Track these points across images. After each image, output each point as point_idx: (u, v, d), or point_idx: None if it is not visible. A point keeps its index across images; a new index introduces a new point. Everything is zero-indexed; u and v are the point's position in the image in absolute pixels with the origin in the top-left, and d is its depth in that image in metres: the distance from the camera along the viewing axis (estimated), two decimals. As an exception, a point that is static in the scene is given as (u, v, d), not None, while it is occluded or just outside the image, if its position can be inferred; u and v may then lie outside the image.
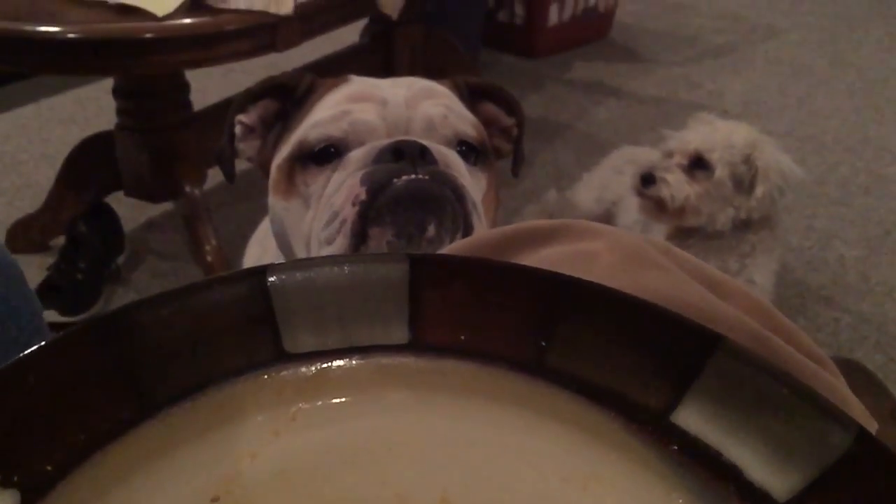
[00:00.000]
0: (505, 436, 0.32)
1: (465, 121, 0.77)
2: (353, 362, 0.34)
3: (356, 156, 0.70)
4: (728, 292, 0.46)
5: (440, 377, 0.34)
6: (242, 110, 0.77)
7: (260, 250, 0.86)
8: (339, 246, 0.67)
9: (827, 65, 3.09)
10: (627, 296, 0.34)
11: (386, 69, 2.50)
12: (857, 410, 0.41)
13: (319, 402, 0.33)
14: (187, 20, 1.37)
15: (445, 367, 0.34)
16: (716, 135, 1.49)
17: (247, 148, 0.78)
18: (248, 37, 1.44)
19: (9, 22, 1.36)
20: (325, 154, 0.72)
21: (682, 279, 0.43)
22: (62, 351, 0.31)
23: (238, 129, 0.77)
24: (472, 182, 0.74)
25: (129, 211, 1.93)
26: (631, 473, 0.31)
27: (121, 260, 1.78)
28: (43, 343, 0.31)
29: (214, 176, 1.81)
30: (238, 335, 0.33)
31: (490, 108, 0.87)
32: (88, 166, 1.83)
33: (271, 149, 0.77)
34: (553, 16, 3.08)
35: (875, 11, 3.72)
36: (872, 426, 0.39)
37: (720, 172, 1.46)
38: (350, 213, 0.67)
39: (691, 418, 0.32)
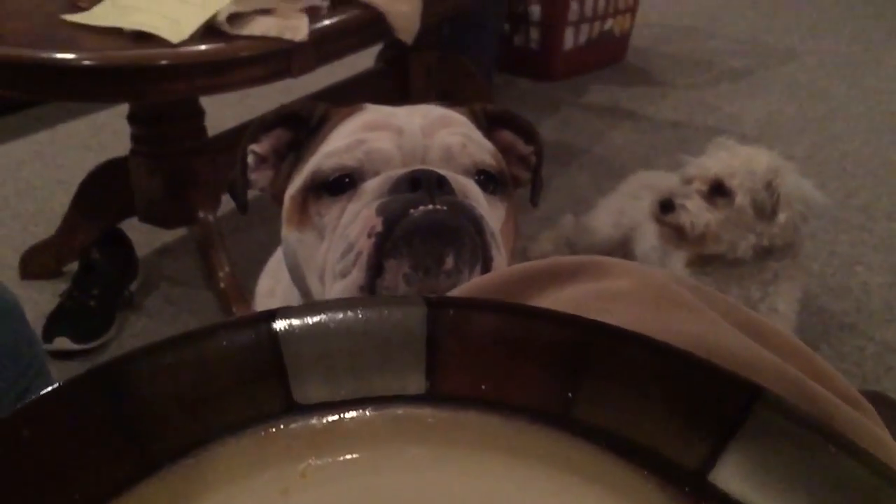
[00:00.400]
0: (528, 496, 0.30)
1: (483, 149, 0.75)
2: (367, 414, 0.32)
3: (372, 186, 0.69)
4: (760, 332, 0.43)
5: (459, 431, 0.31)
6: (255, 140, 0.75)
7: (272, 282, 0.84)
8: (354, 279, 0.65)
9: (845, 88, 3.06)
10: (660, 343, 0.32)
11: (401, 94, 2.50)
12: (903, 462, 0.38)
13: (331, 458, 0.30)
14: (202, 47, 1.36)
15: (465, 420, 0.32)
16: (735, 160, 1.46)
17: (259, 178, 0.77)
18: (262, 63, 1.43)
19: (25, 49, 1.36)
20: (340, 184, 0.70)
21: (713, 320, 0.41)
22: (59, 403, 0.29)
23: (250, 160, 0.76)
24: (491, 212, 0.72)
25: (143, 236, 1.92)
26: (666, 539, 0.29)
27: (134, 286, 1.77)
28: (39, 395, 0.29)
29: (228, 202, 1.79)
30: (244, 385, 0.31)
31: (507, 136, 0.85)
32: (103, 192, 1.82)
33: (284, 179, 0.75)
34: (569, 40, 3.07)
35: (893, 34, 3.70)
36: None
37: (741, 199, 1.43)
38: (365, 244, 0.65)
39: (731, 478, 0.29)
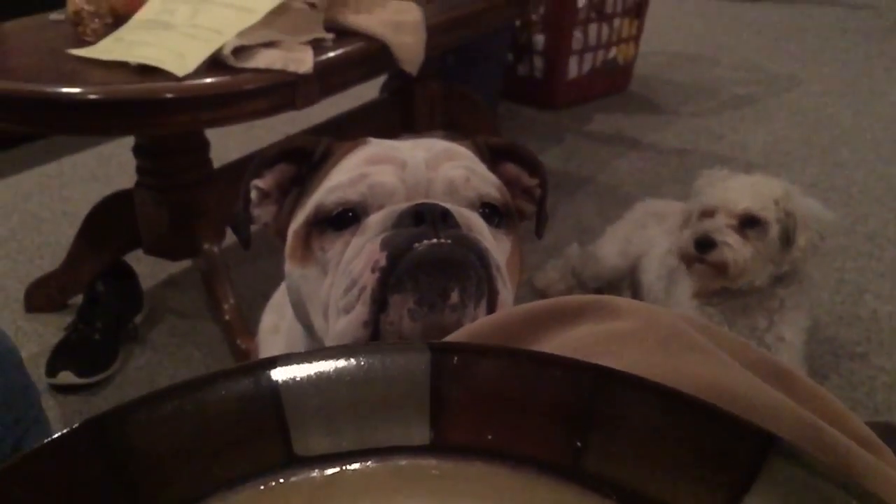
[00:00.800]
0: (538, 551, 0.29)
1: (488, 182, 0.74)
2: (370, 466, 0.31)
3: (375, 220, 0.68)
4: (773, 372, 0.42)
5: (465, 483, 0.31)
6: (258, 175, 0.75)
7: (276, 318, 0.83)
8: (357, 314, 0.65)
9: (851, 115, 3.06)
10: (672, 390, 0.31)
11: (405, 124, 2.50)
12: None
13: (332, 513, 0.30)
14: (207, 80, 1.37)
15: (471, 472, 0.31)
16: (755, 190, 1.45)
17: (262, 213, 0.76)
18: (267, 95, 1.44)
19: (30, 83, 1.36)
20: (343, 219, 0.70)
21: (725, 362, 0.40)
22: (51, 458, 0.29)
23: (253, 195, 0.75)
24: (496, 245, 0.71)
25: (149, 268, 1.92)
26: None
27: (139, 319, 1.76)
28: (31, 450, 0.28)
29: (233, 233, 1.80)
30: (244, 438, 0.30)
31: (511, 169, 0.85)
32: (108, 225, 1.82)
33: (287, 214, 0.75)
34: (572, 69, 3.08)
35: (897, 60, 3.71)
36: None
37: (774, 230, 1.42)
38: (369, 279, 0.64)
39: (747, 533, 0.28)
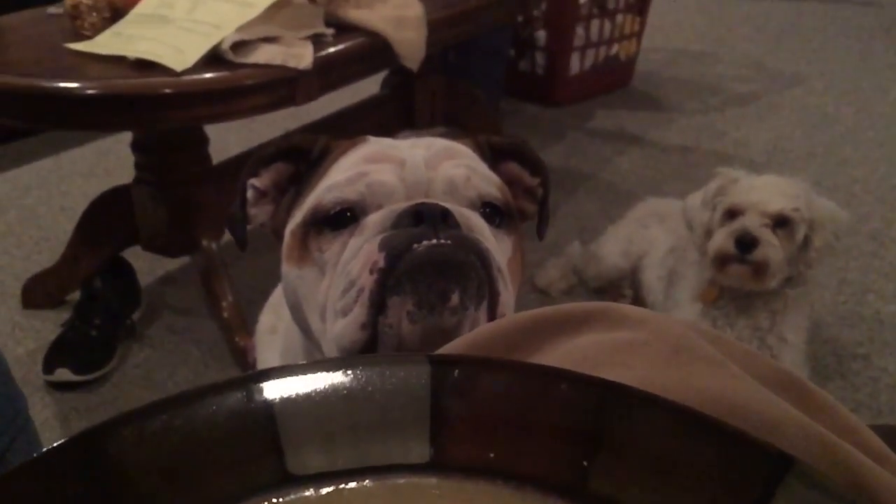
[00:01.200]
0: (542, 576, 0.28)
1: (488, 182, 0.73)
2: (367, 484, 0.30)
3: (374, 220, 0.66)
4: (783, 383, 0.41)
5: (466, 503, 0.29)
6: (254, 174, 0.74)
7: (274, 318, 0.82)
8: (355, 316, 0.63)
9: (854, 113, 3.04)
10: (685, 409, 0.29)
11: (406, 120, 2.49)
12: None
13: (327, 535, 0.28)
14: (206, 75, 1.35)
15: (472, 491, 0.29)
16: (784, 190, 1.43)
17: (259, 213, 0.75)
18: (267, 91, 1.42)
19: (27, 77, 1.35)
20: (341, 218, 0.68)
21: (735, 374, 0.38)
22: (35, 476, 0.27)
23: (250, 194, 0.74)
24: (497, 246, 0.69)
25: (147, 264, 1.91)
26: None
27: (136, 315, 1.75)
28: (13, 469, 0.27)
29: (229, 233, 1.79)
30: (235, 454, 0.29)
31: (513, 168, 0.83)
32: (106, 220, 1.81)
33: (285, 214, 0.73)
34: (574, 65, 3.07)
35: (900, 58, 3.70)
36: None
37: (801, 232, 1.41)
38: (368, 281, 0.63)
39: (762, 559, 0.27)
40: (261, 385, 0.30)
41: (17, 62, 1.46)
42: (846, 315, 1.81)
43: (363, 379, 0.30)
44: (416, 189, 0.69)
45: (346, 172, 0.70)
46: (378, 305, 0.62)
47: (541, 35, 3.02)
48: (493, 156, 0.81)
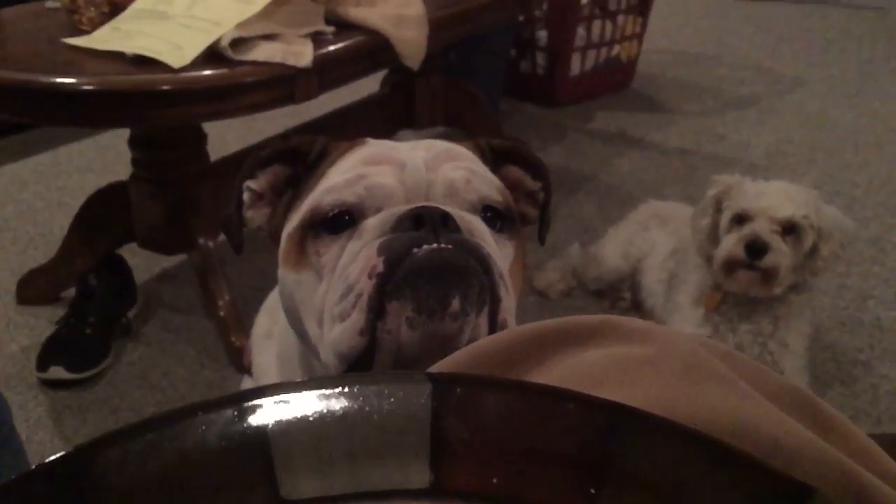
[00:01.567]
0: None
1: (489, 184, 0.71)
2: (364, 510, 0.28)
3: (373, 223, 0.65)
4: (795, 402, 0.40)
5: (468, 531, 0.28)
6: (251, 176, 0.72)
7: (270, 322, 0.81)
8: (353, 322, 0.62)
9: (855, 116, 3.03)
10: (699, 434, 0.28)
11: (406, 119, 2.48)
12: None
13: (321, 564, 0.27)
14: (204, 72, 1.34)
15: (474, 519, 0.28)
16: (793, 196, 1.41)
17: (255, 216, 0.73)
18: (266, 89, 1.41)
19: (23, 72, 1.33)
20: (340, 222, 0.67)
21: (746, 393, 0.37)
22: (15, 499, 0.26)
23: (246, 197, 0.72)
24: (498, 251, 0.68)
25: (143, 261, 1.89)
26: None
27: (132, 313, 1.73)
28: (-11, 491, 0.26)
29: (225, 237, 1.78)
30: (225, 478, 0.28)
31: (514, 172, 0.82)
32: (102, 217, 1.79)
33: (282, 217, 0.72)
34: (575, 66, 3.05)
35: (902, 62, 3.69)
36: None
37: (810, 239, 1.39)
38: (366, 285, 0.61)
39: None
40: (253, 404, 0.29)
41: (15, 57, 1.44)
42: (846, 321, 1.79)
43: (361, 399, 0.29)
44: (415, 192, 0.67)
45: (345, 174, 0.68)
46: (377, 311, 0.61)
47: (542, 35, 3.01)
48: (495, 159, 0.80)
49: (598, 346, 0.40)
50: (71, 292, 1.73)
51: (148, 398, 1.53)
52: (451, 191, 0.68)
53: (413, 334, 0.61)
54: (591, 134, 2.87)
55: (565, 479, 0.28)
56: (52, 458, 0.27)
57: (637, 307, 1.83)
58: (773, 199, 1.40)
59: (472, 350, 0.41)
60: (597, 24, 3.03)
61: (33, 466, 0.27)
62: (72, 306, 1.65)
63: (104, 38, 1.41)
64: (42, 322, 1.72)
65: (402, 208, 0.65)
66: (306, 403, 0.29)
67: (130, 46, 1.35)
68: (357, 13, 1.58)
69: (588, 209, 2.29)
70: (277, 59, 1.38)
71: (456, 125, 2.58)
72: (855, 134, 2.88)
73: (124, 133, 1.72)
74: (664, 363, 0.37)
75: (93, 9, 1.49)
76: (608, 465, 0.28)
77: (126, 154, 1.71)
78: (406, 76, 2.29)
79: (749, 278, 1.42)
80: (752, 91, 3.31)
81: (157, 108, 1.36)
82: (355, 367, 0.63)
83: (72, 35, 1.43)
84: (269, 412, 0.29)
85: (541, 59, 3.05)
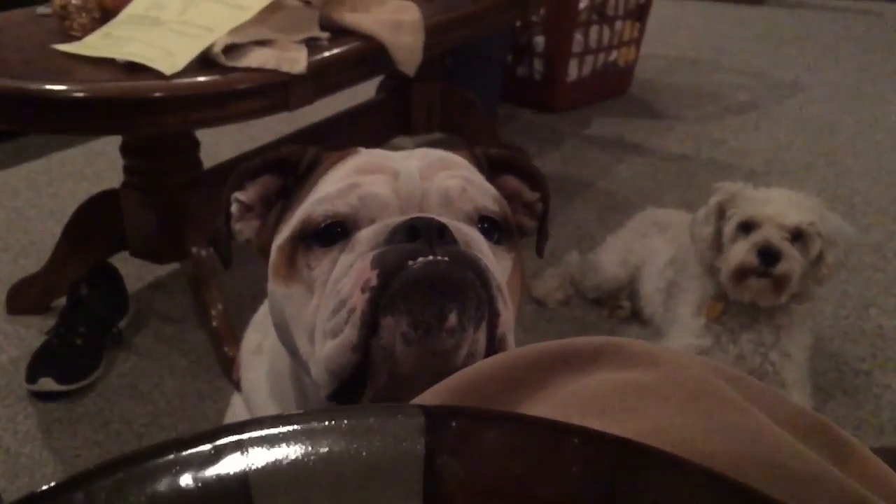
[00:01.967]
0: None
1: (485, 194, 0.69)
2: (350, 558, 0.26)
3: (366, 235, 0.63)
4: (809, 428, 0.38)
5: (464, 581, 0.26)
6: (239, 187, 0.70)
7: (260, 336, 0.78)
8: (346, 338, 0.60)
9: (854, 123, 3.02)
10: (714, 474, 0.26)
11: (403, 126, 2.46)
12: None
13: None
14: (197, 78, 1.32)
15: (470, 567, 0.26)
16: (799, 204, 1.39)
17: (244, 229, 0.71)
18: (259, 96, 1.39)
19: (13, 80, 1.31)
20: (332, 233, 0.64)
21: (759, 422, 0.35)
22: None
23: (234, 208, 0.70)
24: (496, 263, 0.66)
25: (135, 270, 1.87)
26: None
27: (123, 323, 1.71)
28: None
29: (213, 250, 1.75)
30: (199, 524, 0.25)
31: (512, 182, 0.80)
32: (93, 225, 1.77)
33: (272, 229, 0.69)
34: (573, 71, 3.04)
35: (900, 68, 3.67)
36: None
37: (817, 246, 1.37)
38: (359, 300, 0.59)
39: None
40: (232, 442, 0.26)
41: (4, 63, 1.42)
42: (848, 330, 1.77)
43: (348, 435, 0.27)
44: (410, 201, 0.65)
45: (337, 184, 0.66)
46: (370, 326, 0.59)
47: (539, 41, 2.99)
48: (491, 168, 0.78)
49: (602, 369, 0.38)
50: (62, 302, 1.70)
51: (139, 410, 1.50)
52: (445, 200, 0.66)
53: (408, 350, 0.58)
54: (588, 140, 2.86)
55: (570, 523, 0.26)
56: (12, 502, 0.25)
57: (636, 315, 1.81)
58: (780, 206, 1.38)
59: (469, 374, 0.39)
60: (594, 30, 3.02)
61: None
62: (62, 316, 1.62)
63: (95, 45, 1.38)
64: (32, 332, 1.70)
65: (397, 219, 0.63)
66: (289, 441, 0.27)
67: (121, 53, 1.33)
68: (352, 19, 1.57)
69: (586, 216, 2.27)
70: (271, 65, 1.36)
71: (452, 131, 2.56)
72: (854, 139, 2.86)
73: (117, 140, 1.70)
74: (672, 389, 0.35)
75: (84, 14, 1.47)
76: (616, 509, 0.26)
77: (119, 161, 1.69)
78: (402, 82, 2.28)
79: (760, 286, 1.39)
80: (751, 96, 3.30)
81: (148, 116, 1.33)
82: (347, 385, 0.61)
83: (62, 41, 1.41)
84: (249, 452, 0.26)
85: (538, 64, 3.03)
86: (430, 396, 0.38)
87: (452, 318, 0.58)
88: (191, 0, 1.41)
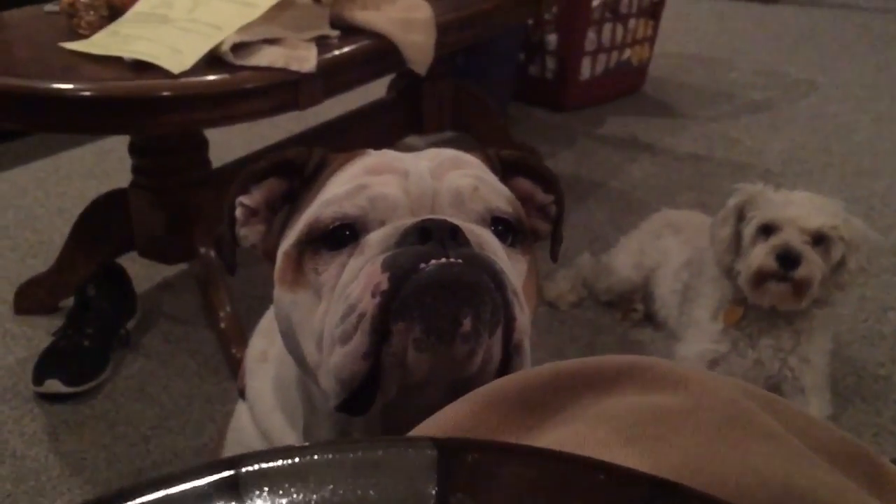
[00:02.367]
0: None
1: (498, 194, 0.67)
2: None
3: (376, 238, 0.61)
4: (848, 456, 0.35)
5: None
6: (244, 191, 0.68)
7: (266, 343, 0.76)
8: (356, 345, 0.57)
9: (871, 122, 2.97)
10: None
11: (414, 124, 2.44)
12: None
13: None
14: (205, 77, 1.30)
15: None
16: (822, 207, 1.36)
17: (249, 233, 0.69)
18: (268, 95, 1.37)
19: (19, 78, 1.30)
20: (340, 236, 0.62)
21: (797, 453, 0.32)
22: None
23: (239, 213, 0.68)
24: (511, 266, 0.64)
25: (144, 270, 1.85)
26: None
27: (131, 324, 1.69)
28: None
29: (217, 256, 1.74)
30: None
31: (525, 185, 0.77)
32: (102, 225, 1.76)
33: (277, 234, 0.67)
34: (585, 70, 3.01)
35: (917, 66, 3.62)
36: None
37: (839, 250, 1.34)
38: (369, 305, 0.57)
39: None
40: (227, 478, 0.24)
41: (10, 62, 1.41)
42: (867, 334, 1.74)
43: (354, 473, 0.25)
44: (421, 202, 0.63)
45: (346, 185, 0.64)
46: (381, 332, 0.57)
47: (552, 39, 2.96)
48: (504, 170, 0.75)
49: (625, 392, 0.35)
50: (70, 302, 1.69)
51: (147, 412, 1.48)
52: (457, 199, 0.64)
53: (421, 358, 0.56)
54: (601, 139, 2.83)
55: (596, 571, 0.24)
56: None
57: (650, 319, 1.78)
58: (802, 208, 1.35)
59: (485, 393, 0.36)
60: (608, 28, 2.98)
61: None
62: (69, 317, 1.61)
63: (102, 43, 1.37)
64: (39, 333, 1.68)
65: (408, 221, 0.60)
66: (291, 479, 0.24)
67: (129, 51, 1.31)
68: (363, 17, 1.54)
69: (599, 216, 2.25)
70: (280, 64, 1.34)
71: (464, 131, 2.54)
72: (871, 139, 2.82)
73: (126, 138, 1.68)
74: (702, 415, 0.33)
75: (92, 12, 1.45)
76: (648, 557, 0.23)
77: (128, 160, 1.68)
78: (413, 81, 2.25)
79: (780, 291, 1.36)
80: (766, 96, 3.26)
81: (155, 115, 1.32)
82: (358, 395, 0.59)
83: (70, 39, 1.39)
84: (245, 491, 0.24)
85: (550, 62, 3.00)
86: (442, 419, 0.35)
87: (467, 324, 0.56)
88: (199, -3, 1.40)
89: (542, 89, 3.05)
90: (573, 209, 2.24)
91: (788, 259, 1.33)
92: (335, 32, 1.49)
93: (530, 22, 2.91)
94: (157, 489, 0.24)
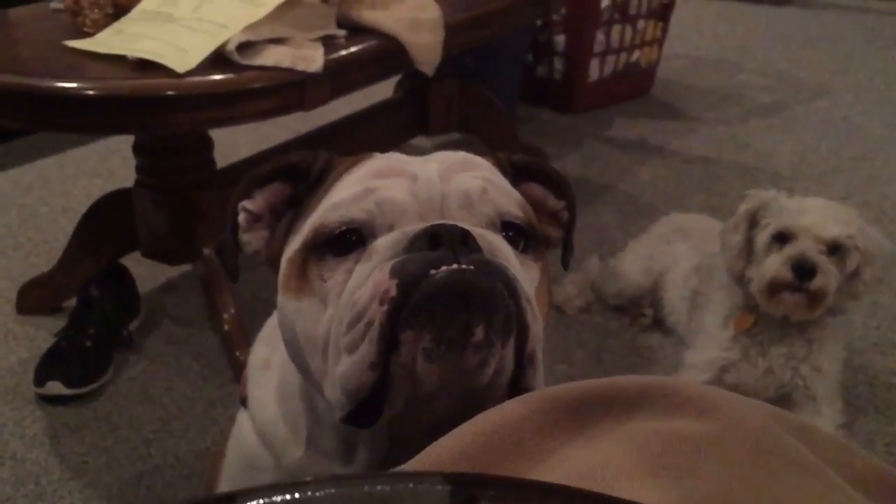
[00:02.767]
0: None
1: (508, 197, 0.65)
2: None
3: (384, 243, 0.59)
4: (885, 487, 0.33)
5: None
6: (247, 196, 0.66)
7: (268, 350, 0.74)
8: (363, 354, 0.56)
9: (881, 125, 2.94)
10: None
11: (420, 125, 2.43)
12: None
13: None
14: (210, 77, 1.29)
15: None
16: (837, 215, 1.34)
17: (252, 239, 0.67)
18: (274, 95, 1.35)
19: (23, 77, 1.28)
20: (346, 242, 0.60)
21: (833, 485, 0.30)
22: None
23: (242, 219, 0.66)
24: (524, 273, 0.62)
25: (147, 271, 1.84)
26: None
27: (134, 325, 1.67)
28: None
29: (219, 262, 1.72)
30: None
31: (536, 190, 0.76)
32: (105, 225, 1.74)
33: (281, 240, 0.65)
34: (594, 71, 2.99)
35: (929, 70, 3.59)
36: None
37: (854, 260, 1.32)
38: (377, 312, 0.55)
39: None
40: (219, 517, 0.22)
41: (15, 60, 1.40)
42: (879, 342, 1.71)
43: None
44: (430, 206, 0.61)
45: (352, 189, 0.62)
46: (389, 341, 0.55)
47: (560, 40, 2.94)
48: (515, 175, 0.73)
49: (648, 415, 0.33)
50: (73, 302, 1.67)
51: (149, 415, 1.47)
52: (466, 201, 0.62)
53: (431, 368, 0.54)
54: (609, 141, 2.80)
55: None
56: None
57: (659, 324, 1.76)
58: (817, 217, 1.33)
59: (496, 417, 0.34)
60: (616, 29, 2.96)
61: None
62: (72, 317, 1.59)
63: (107, 41, 1.35)
64: (42, 333, 1.67)
65: (417, 227, 0.59)
66: (287, 517, 0.22)
67: (133, 50, 1.30)
68: (370, 16, 1.53)
69: (607, 219, 2.22)
70: (286, 63, 1.33)
71: (471, 132, 2.52)
72: (882, 143, 2.79)
73: (131, 138, 1.67)
74: (731, 444, 0.31)
75: (96, 10, 1.44)
76: None
77: (132, 159, 1.66)
78: (420, 81, 2.23)
79: (794, 301, 1.33)
80: (776, 98, 3.23)
81: (159, 115, 1.30)
82: (364, 406, 0.57)
83: (75, 37, 1.38)
84: (238, 529, 0.22)
85: (558, 64, 2.98)
86: (453, 443, 0.33)
87: (479, 333, 0.54)
88: (205, -4, 1.38)
89: (550, 91, 3.03)
90: (581, 212, 2.19)
91: (804, 270, 1.30)
92: (342, 32, 1.47)
93: (538, 23, 2.89)
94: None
